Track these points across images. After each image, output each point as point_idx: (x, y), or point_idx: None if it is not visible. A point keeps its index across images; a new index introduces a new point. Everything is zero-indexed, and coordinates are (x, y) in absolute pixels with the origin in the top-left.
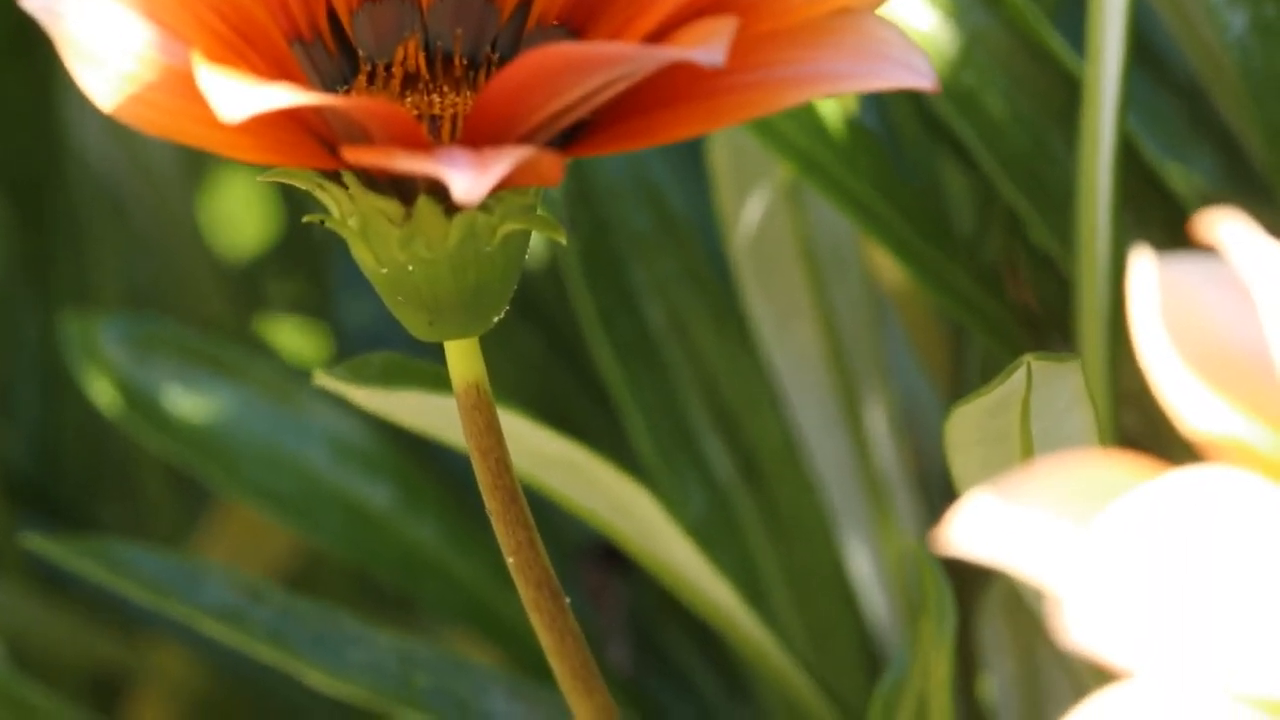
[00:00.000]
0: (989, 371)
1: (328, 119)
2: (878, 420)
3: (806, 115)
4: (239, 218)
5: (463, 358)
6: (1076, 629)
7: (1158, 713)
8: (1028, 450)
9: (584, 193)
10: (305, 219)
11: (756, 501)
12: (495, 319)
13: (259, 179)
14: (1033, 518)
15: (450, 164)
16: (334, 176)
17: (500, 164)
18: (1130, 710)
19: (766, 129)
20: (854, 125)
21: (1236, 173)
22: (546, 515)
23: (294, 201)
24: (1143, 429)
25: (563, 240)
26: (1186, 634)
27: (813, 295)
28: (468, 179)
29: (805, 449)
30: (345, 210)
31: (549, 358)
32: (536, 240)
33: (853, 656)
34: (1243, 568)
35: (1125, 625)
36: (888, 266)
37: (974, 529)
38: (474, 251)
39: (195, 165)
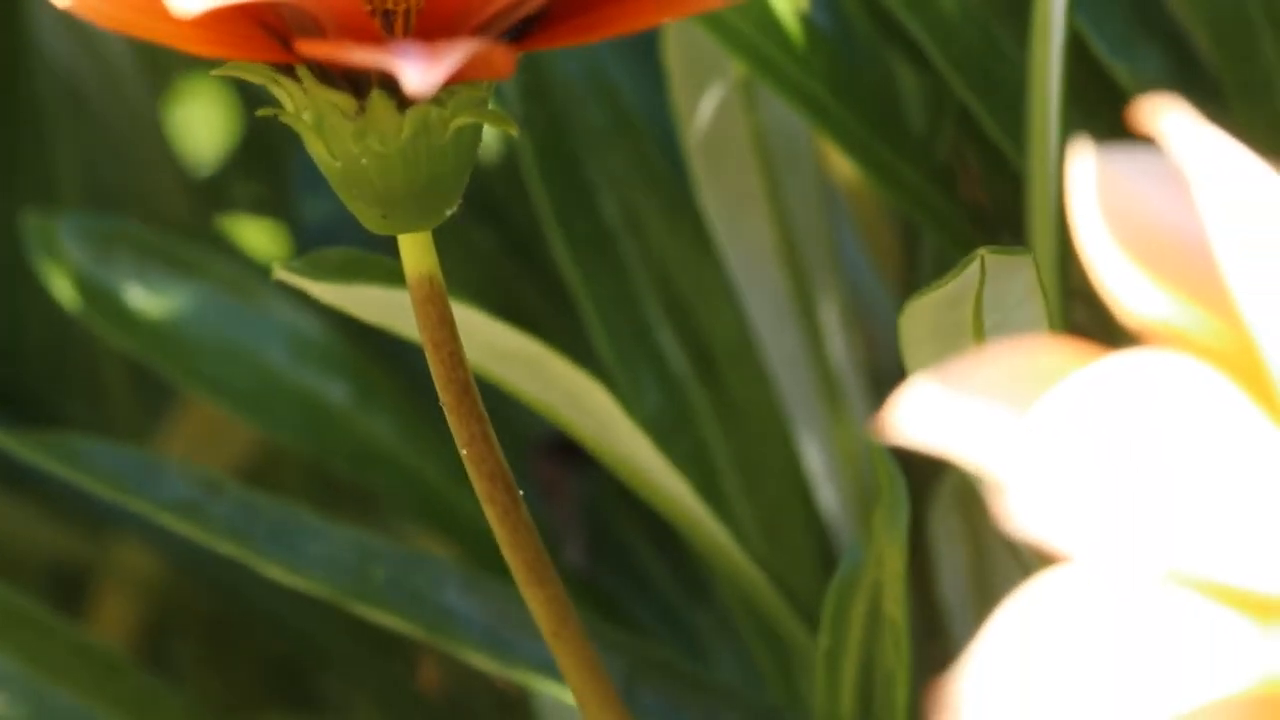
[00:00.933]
0: (941, 267)
1: (282, 13)
2: (831, 314)
3: (759, 12)
4: (202, 119)
5: (416, 251)
6: (1018, 515)
7: (1094, 595)
8: (980, 343)
9: (540, 90)
10: (259, 113)
11: (710, 395)
12: (448, 212)
13: (213, 74)
14: (975, 404)
15: (403, 57)
16: (288, 71)
17: (452, 57)
18: (1067, 593)
19: (720, 25)
20: (807, 22)
21: (1184, 69)
22: (502, 410)
23: (255, 101)
24: (1093, 323)
25: (514, 132)
26: (1124, 517)
27: (766, 190)
28: (419, 72)
29: (759, 343)
30: (299, 104)
31: (506, 255)
32: (493, 138)
33: (807, 549)
34: (1179, 450)
35: (1065, 510)
36: (841, 162)
37: (917, 415)
38: (427, 145)
39: (159, 66)
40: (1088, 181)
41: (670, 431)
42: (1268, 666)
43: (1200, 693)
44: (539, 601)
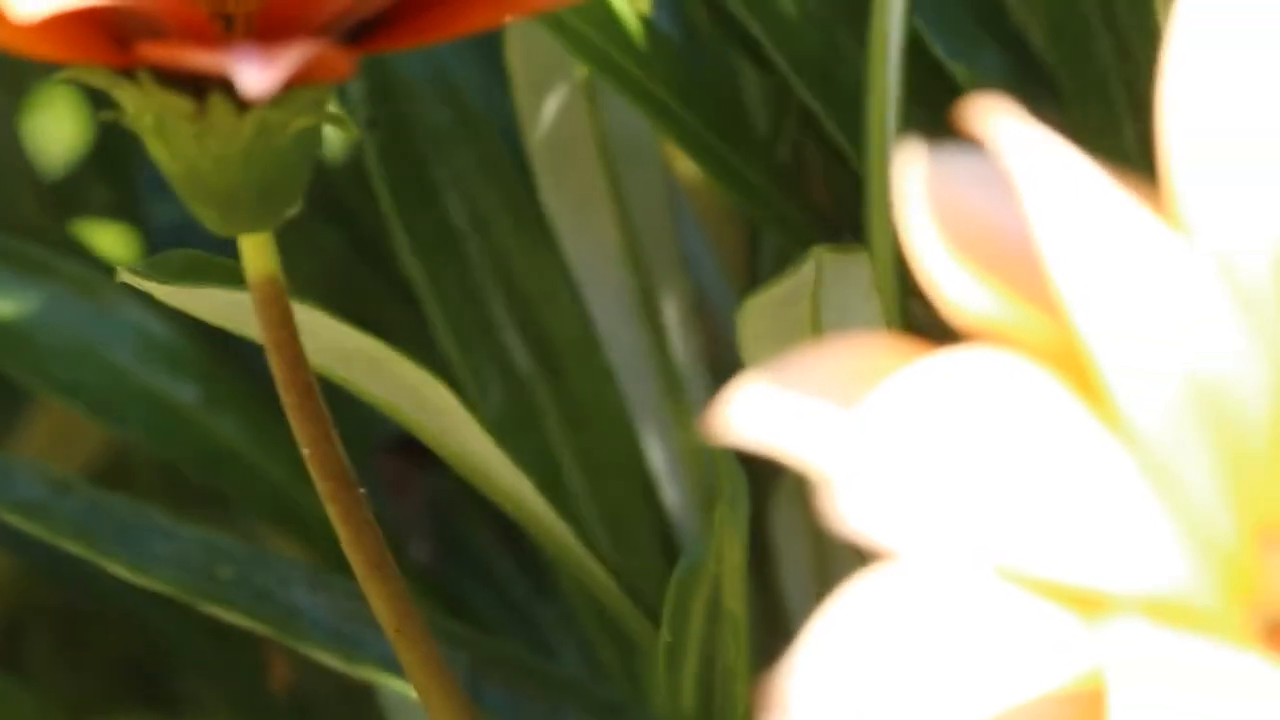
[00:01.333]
0: (783, 267)
1: (123, 17)
2: (674, 313)
3: (601, 13)
4: (56, 123)
5: (257, 252)
6: (846, 513)
7: (920, 591)
8: (817, 342)
9: (384, 91)
10: (102, 116)
11: (554, 393)
12: (289, 213)
13: (55, 78)
14: (805, 401)
15: (239, 60)
16: (130, 75)
17: (288, 59)
18: (892, 589)
19: (561, 26)
20: (648, 24)
21: (1023, 70)
22: (348, 409)
23: (106, 106)
24: (933, 323)
25: (352, 134)
26: (949, 513)
27: (609, 190)
28: (256, 74)
29: (602, 341)
30: (140, 108)
31: (352, 256)
32: (340, 139)
33: (650, 545)
34: (1004, 446)
35: (890, 507)
36: (685, 162)
37: (747, 413)
38: (266, 147)
39: (13, 71)
40: (916, 181)
41: (514, 430)
42: (1091, 662)
43: (1024, 688)
44: (381, 598)
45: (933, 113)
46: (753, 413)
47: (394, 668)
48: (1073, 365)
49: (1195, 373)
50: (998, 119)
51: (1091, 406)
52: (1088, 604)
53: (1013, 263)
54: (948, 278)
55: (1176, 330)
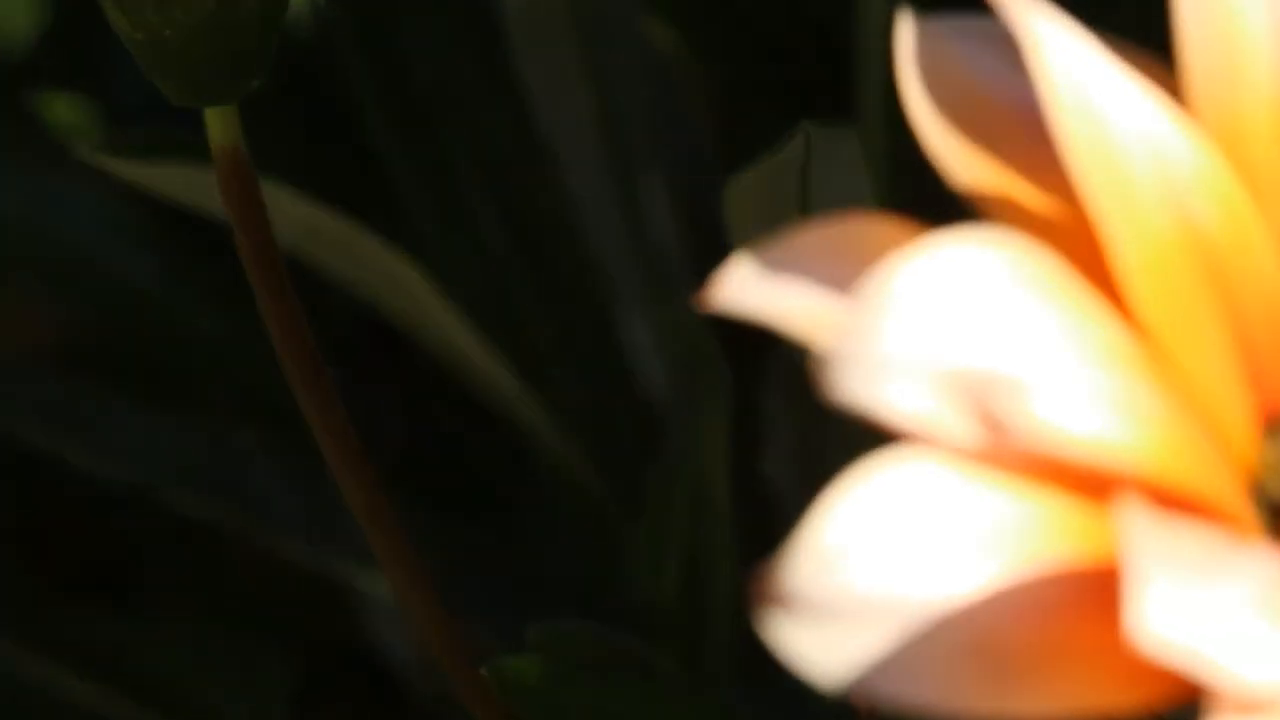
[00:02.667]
0: (767, 142)
1: None
2: (655, 191)
3: None
4: None
5: (221, 124)
6: (842, 386)
7: (915, 479)
8: (806, 218)
9: None
10: None
11: (531, 274)
12: (254, 84)
13: None
14: (800, 276)
15: None
16: None
17: None
18: (888, 480)
19: None
20: None
21: None
22: (317, 293)
23: None
24: (925, 197)
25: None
26: (950, 388)
27: (585, 61)
28: None
29: (581, 221)
30: None
31: (321, 134)
32: (305, 11)
33: (631, 434)
34: (1005, 323)
35: (891, 382)
36: (665, 35)
37: (741, 288)
38: (231, 15)
39: None
40: (911, 48)
41: (490, 313)
42: (1093, 543)
43: (1016, 567)
44: (353, 489)
45: None
46: (748, 287)
47: (366, 560)
48: (1076, 240)
49: (1199, 242)
50: None
51: (1095, 284)
52: (1089, 486)
53: (1012, 132)
54: (949, 150)
55: (1180, 195)
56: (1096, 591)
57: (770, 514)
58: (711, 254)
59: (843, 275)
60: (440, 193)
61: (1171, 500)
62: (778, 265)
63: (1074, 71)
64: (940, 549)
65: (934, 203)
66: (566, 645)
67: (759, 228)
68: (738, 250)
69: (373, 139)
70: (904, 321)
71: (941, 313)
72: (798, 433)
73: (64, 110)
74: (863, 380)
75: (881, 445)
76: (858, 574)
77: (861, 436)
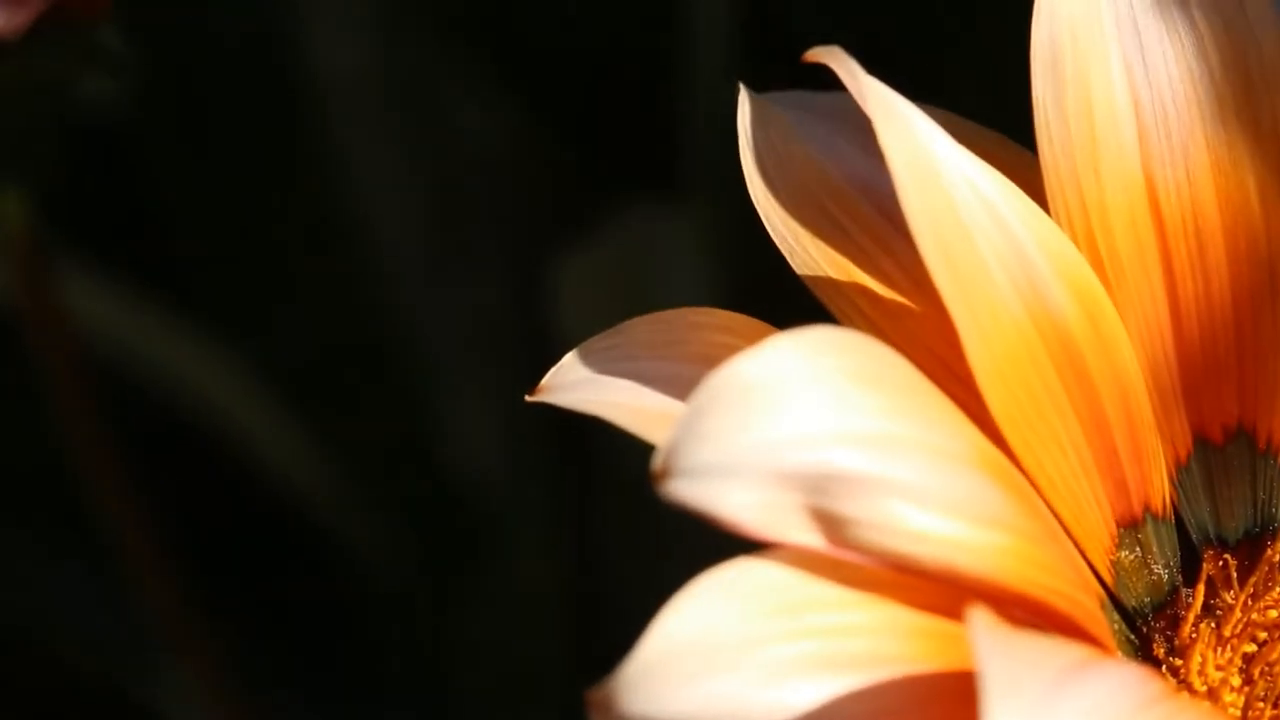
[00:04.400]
0: (602, 222)
1: None
2: (485, 274)
3: None
4: None
5: (13, 208)
6: (678, 485)
7: (762, 581)
8: (637, 303)
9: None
10: None
11: (350, 362)
12: (46, 167)
13: None
14: (633, 370)
15: None
16: None
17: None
18: (735, 583)
19: None
20: None
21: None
22: (118, 388)
23: None
24: (762, 276)
25: (115, 81)
26: (789, 497)
27: (409, 144)
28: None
29: (402, 305)
30: None
31: (133, 224)
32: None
33: (456, 533)
34: (842, 430)
35: (726, 484)
36: (492, 116)
37: (573, 381)
38: (19, 93)
39: None
40: (750, 127)
41: (306, 403)
42: (945, 657)
43: (861, 680)
44: (153, 588)
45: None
46: (578, 381)
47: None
48: (929, 330)
49: (1055, 334)
50: (844, 63)
51: (946, 377)
52: (944, 599)
53: (861, 216)
54: (790, 234)
55: (1037, 286)
56: (947, 707)
57: (613, 621)
58: (545, 339)
59: (677, 371)
60: (249, 274)
61: (1024, 607)
62: (610, 360)
63: (927, 155)
64: (781, 662)
65: (774, 283)
66: None
67: (594, 312)
68: (571, 339)
69: (184, 230)
70: (739, 423)
71: (778, 414)
72: (641, 535)
73: None
74: (698, 481)
75: (734, 548)
76: (692, 690)
77: (707, 536)
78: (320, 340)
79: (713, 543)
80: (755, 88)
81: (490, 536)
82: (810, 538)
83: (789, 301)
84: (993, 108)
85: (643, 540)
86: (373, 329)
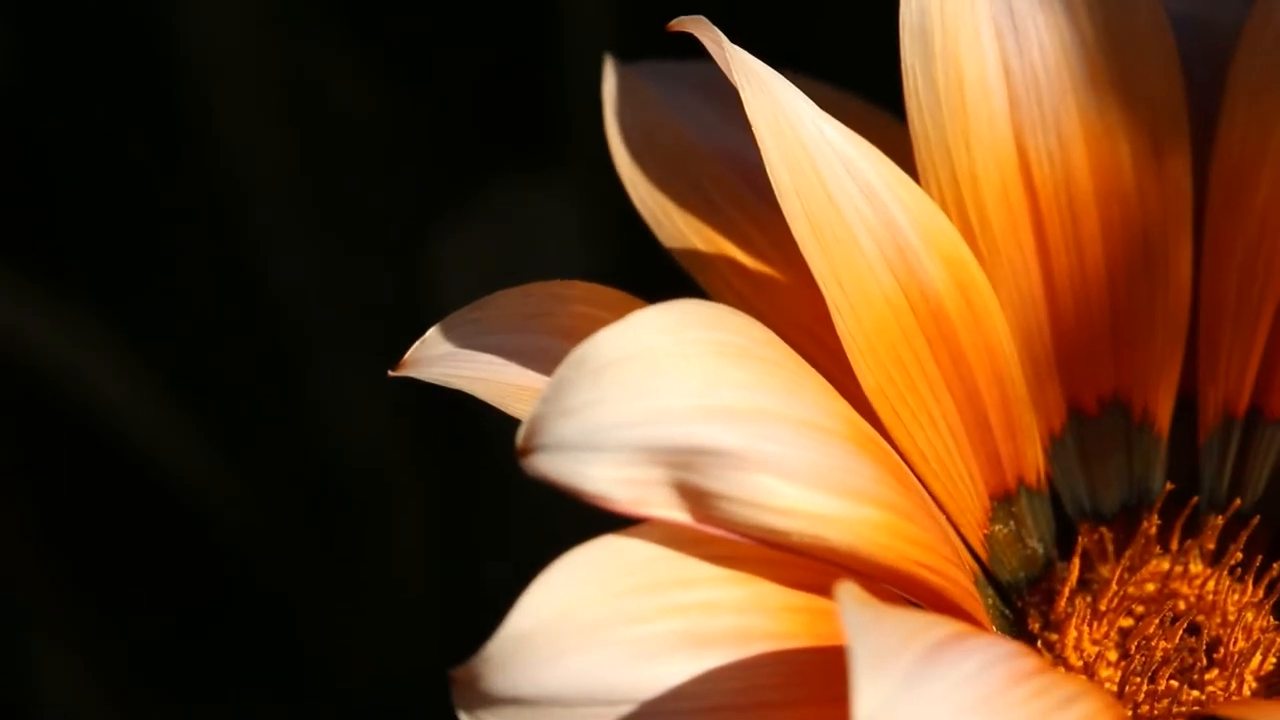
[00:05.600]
0: (476, 194)
1: None
2: (359, 249)
3: None
4: None
5: None
6: (542, 460)
7: (628, 558)
8: (512, 276)
9: None
10: None
11: (223, 335)
12: None
13: None
14: (499, 344)
15: None
16: None
17: None
18: (599, 560)
19: None
20: None
21: None
22: None
23: None
24: (634, 249)
25: None
26: (654, 471)
27: (280, 119)
28: None
29: (276, 284)
30: None
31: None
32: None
33: (326, 512)
34: (707, 404)
35: (591, 459)
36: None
37: (439, 354)
38: None
39: None
40: (616, 97)
41: (177, 375)
42: (814, 632)
43: (728, 656)
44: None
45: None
46: (444, 354)
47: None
48: (798, 301)
49: (926, 306)
50: (707, 31)
51: (815, 349)
52: (814, 574)
53: (729, 187)
54: (657, 206)
55: (906, 257)
56: (816, 682)
57: (490, 603)
58: (422, 314)
59: (540, 345)
60: (125, 250)
61: (896, 582)
62: (474, 334)
63: (794, 125)
64: (647, 640)
65: (651, 257)
66: None
67: (469, 285)
68: (446, 314)
69: (62, 207)
70: (603, 398)
71: (642, 389)
72: (514, 511)
73: None
74: (562, 457)
75: (608, 524)
76: (556, 668)
77: (577, 512)
78: (195, 318)
79: (587, 519)
80: (629, 59)
81: (364, 512)
82: (677, 513)
83: (667, 276)
84: (872, 74)
85: (518, 517)
86: (249, 305)
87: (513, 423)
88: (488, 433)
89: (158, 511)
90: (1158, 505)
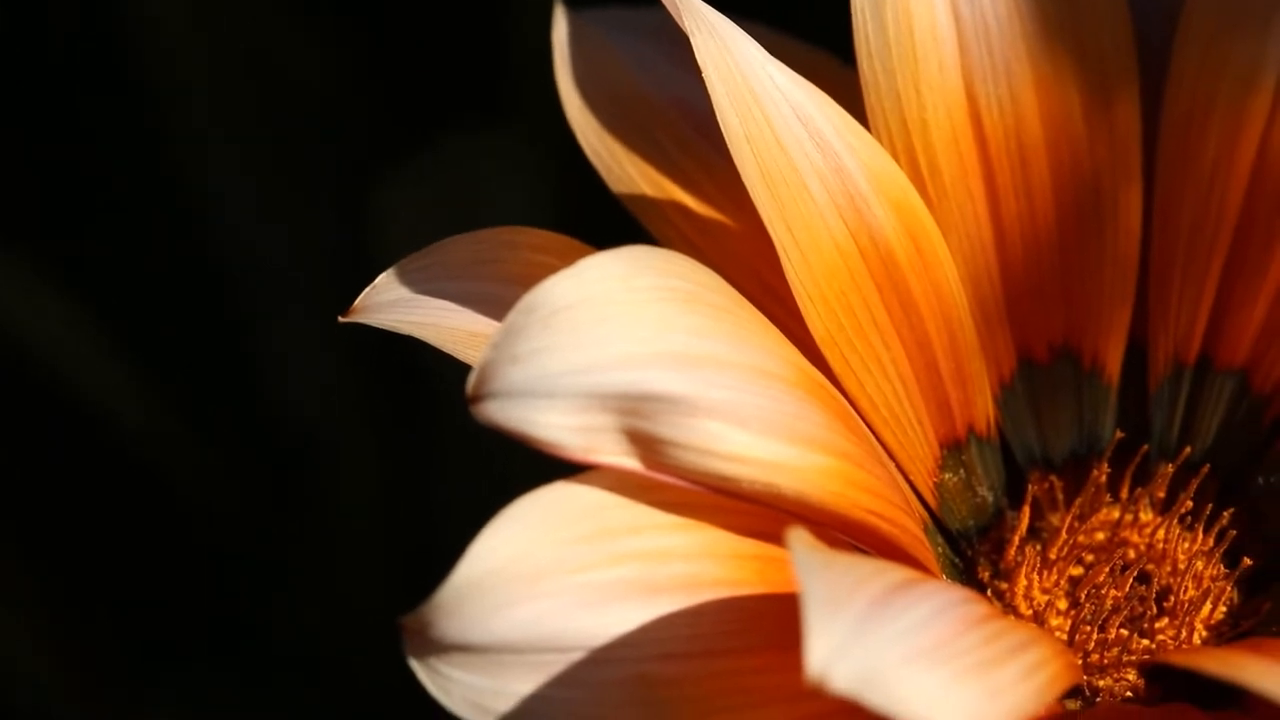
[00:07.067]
0: (429, 144)
1: None
2: (311, 201)
3: None
4: None
5: None
6: (492, 407)
7: (578, 504)
8: (463, 224)
9: None
10: None
11: (170, 287)
12: None
13: None
14: (449, 290)
15: None
16: None
17: None
18: (549, 506)
19: None
20: None
21: None
22: None
23: None
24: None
25: None
26: (603, 417)
27: (225, 76)
28: None
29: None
30: None
31: None
32: None
33: (276, 463)
34: (656, 351)
35: (540, 404)
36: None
37: (388, 300)
38: None
39: None
40: (567, 45)
41: (121, 325)
42: (767, 580)
43: (679, 603)
44: None
45: None
46: (393, 300)
47: None
48: (748, 248)
49: (876, 254)
50: None
51: (765, 297)
52: (766, 522)
53: (679, 134)
54: (608, 153)
55: (856, 204)
56: (767, 629)
57: (438, 550)
58: (373, 264)
59: (491, 291)
60: (71, 200)
61: (846, 530)
62: (425, 279)
63: (744, 71)
64: (598, 587)
65: (602, 206)
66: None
67: (420, 234)
68: (393, 262)
69: (7, 154)
70: (553, 344)
71: (592, 335)
72: (465, 461)
73: None
74: (512, 403)
75: (559, 471)
76: (506, 615)
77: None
78: (144, 270)
79: (538, 467)
80: (579, 6)
81: (316, 462)
82: (627, 460)
83: (617, 224)
84: (820, 19)
85: (469, 466)
86: (198, 257)
87: (464, 372)
88: (439, 383)
89: (106, 466)
90: (1108, 453)
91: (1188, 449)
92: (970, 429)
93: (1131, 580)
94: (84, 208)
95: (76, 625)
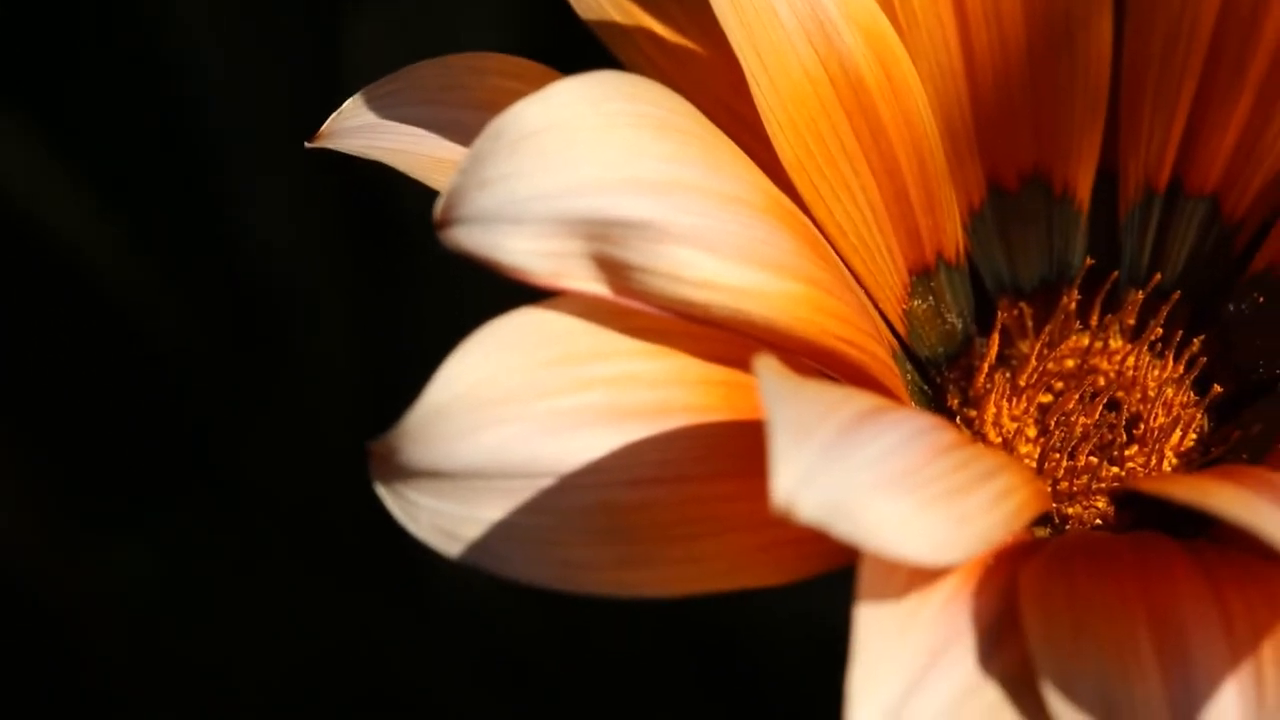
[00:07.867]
0: None
1: None
2: (278, 35)
3: None
4: None
5: None
6: (460, 232)
7: (546, 329)
8: (434, 53)
9: None
10: None
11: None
12: None
13: None
14: (416, 115)
15: None
16: None
17: None
18: (516, 331)
19: None
20: None
21: None
22: None
23: None
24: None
25: None
26: (573, 242)
27: None
28: None
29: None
30: None
31: None
32: None
33: (248, 305)
34: (627, 175)
35: (509, 229)
36: None
37: (355, 126)
38: None
39: None
40: None
41: (91, 175)
42: (733, 407)
43: (644, 431)
44: None
45: None
46: (360, 126)
47: None
48: (717, 76)
49: (847, 81)
50: None
51: (735, 125)
52: (734, 349)
53: None
54: None
55: (827, 31)
56: (735, 456)
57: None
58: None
59: (459, 117)
60: (43, 47)
61: (815, 356)
62: (392, 105)
63: None
64: (566, 413)
65: (565, 31)
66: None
67: (390, 63)
68: (358, 91)
69: None
70: (521, 169)
71: (561, 160)
72: (436, 301)
73: None
74: (480, 229)
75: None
76: (473, 441)
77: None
78: (111, 105)
79: (509, 298)
80: None
81: (287, 305)
82: (595, 286)
83: (586, 53)
84: None
85: (438, 302)
86: (170, 93)
87: (432, 201)
88: (408, 217)
89: (75, 305)
90: (1078, 280)
91: (1158, 275)
92: (939, 256)
93: (1101, 407)
94: (50, 47)
95: (43, 467)
